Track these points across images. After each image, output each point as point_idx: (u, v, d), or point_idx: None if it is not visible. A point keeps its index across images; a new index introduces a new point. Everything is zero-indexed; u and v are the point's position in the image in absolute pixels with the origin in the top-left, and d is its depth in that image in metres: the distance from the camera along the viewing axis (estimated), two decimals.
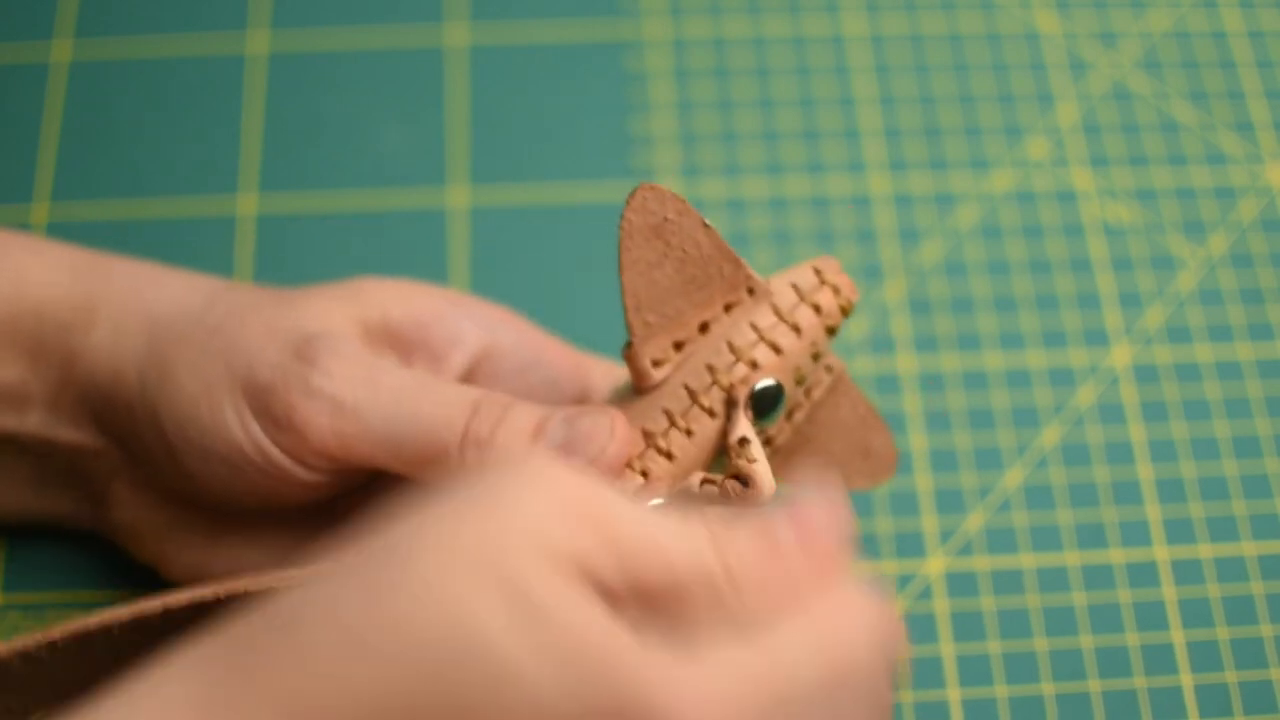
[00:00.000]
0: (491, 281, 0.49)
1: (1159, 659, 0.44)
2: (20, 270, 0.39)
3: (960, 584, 0.45)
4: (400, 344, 0.38)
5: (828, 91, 0.53)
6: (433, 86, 0.53)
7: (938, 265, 0.50)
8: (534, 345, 0.40)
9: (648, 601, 0.27)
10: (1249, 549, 0.46)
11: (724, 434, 0.36)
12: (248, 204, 0.50)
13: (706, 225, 0.37)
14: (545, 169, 0.52)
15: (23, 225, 0.49)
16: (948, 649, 0.44)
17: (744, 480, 0.35)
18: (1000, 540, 0.46)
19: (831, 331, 0.38)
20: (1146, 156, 0.53)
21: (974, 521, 0.46)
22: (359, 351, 0.37)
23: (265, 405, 0.36)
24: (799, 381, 0.38)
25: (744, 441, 0.36)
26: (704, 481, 0.36)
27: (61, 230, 0.49)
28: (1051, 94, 0.54)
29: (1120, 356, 0.49)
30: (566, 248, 0.50)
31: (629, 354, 0.37)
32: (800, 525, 0.29)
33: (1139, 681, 0.44)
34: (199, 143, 0.51)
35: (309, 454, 0.36)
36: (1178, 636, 0.44)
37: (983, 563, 0.46)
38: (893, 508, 0.46)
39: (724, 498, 0.35)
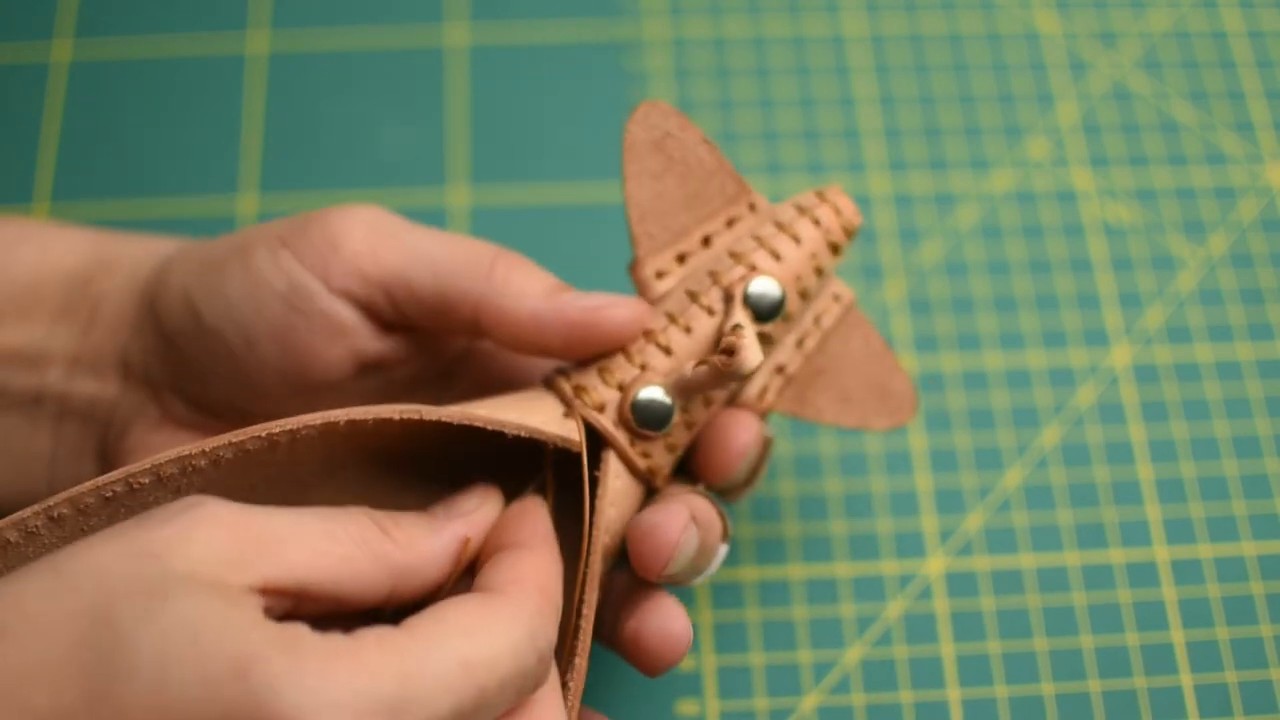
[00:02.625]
0: None
1: (1159, 659, 0.44)
2: (45, 243, 0.41)
3: (960, 584, 0.45)
4: None
5: (828, 91, 0.53)
6: (433, 86, 0.53)
7: (938, 265, 0.50)
8: None
9: (317, 602, 0.31)
10: (1249, 549, 0.46)
11: (721, 330, 0.37)
12: (248, 204, 0.50)
13: (707, 141, 0.38)
14: (545, 169, 0.52)
15: None
16: (948, 649, 0.44)
17: (729, 351, 0.35)
18: (1000, 540, 0.46)
19: (835, 249, 0.39)
20: (1146, 156, 0.53)
21: (974, 521, 0.46)
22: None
23: (301, 229, 0.37)
24: (803, 294, 0.38)
25: (737, 327, 0.36)
26: (697, 364, 0.36)
27: None
28: (1051, 94, 0.54)
29: (1120, 356, 0.49)
30: (566, 248, 0.50)
31: (634, 266, 0.38)
32: (456, 511, 0.35)
33: (1139, 681, 0.44)
34: (199, 143, 0.51)
35: (338, 269, 0.37)
36: (1178, 636, 0.44)
37: (983, 563, 0.46)
38: (893, 508, 0.46)
39: (712, 373, 0.36)
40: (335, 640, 0.29)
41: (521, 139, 0.52)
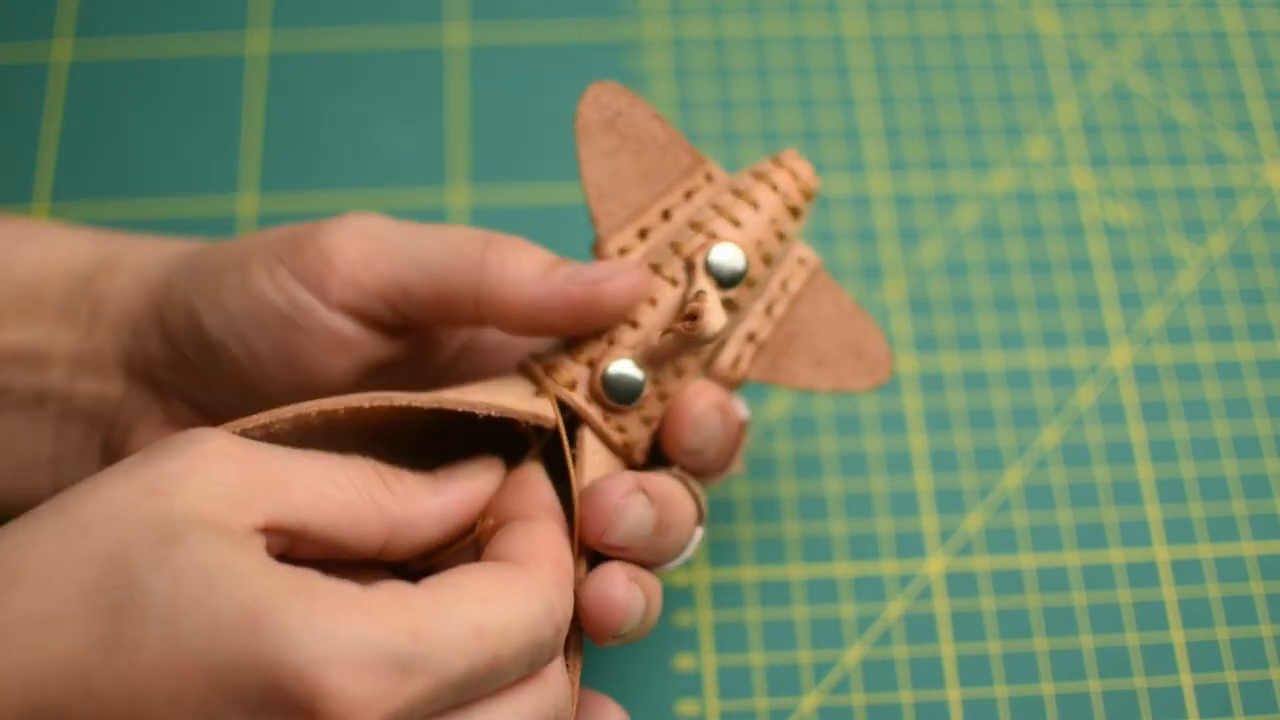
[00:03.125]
0: None
1: (1159, 659, 0.44)
2: (46, 242, 0.41)
3: (960, 584, 0.45)
4: None
5: (828, 91, 0.53)
6: (433, 86, 0.53)
7: (938, 265, 0.50)
8: None
9: (314, 545, 0.31)
10: (1249, 549, 0.46)
11: (686, 298, 0.37)
12: (248, 204, 0.50)
13: (658, 116, 0.39)
14: (545, 169, 0.52)
15: None
16: (948, 649, 0.44)
17: (692, 316, 0.36)
18: (1000, 540, 0.46)
19: (795, 213, 0.39)
20: (1146, 156, 0.53)
21: (974, 521, 0.46)
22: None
23: (294, 246, 0.37)
24: (765, 260, 0.39)
25: (700, 294, 0.36)
26: (663, 333, 0.37)
27: None
28: (1051, 94, 0.54)
29: (1120, 356, 0.49)
30: (566, 248, 0.50)
31: (596, 246, 0.39)
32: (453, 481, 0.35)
33: (1139, 681, 0.44)
34: (199, 143, 0.51)
35: (334, 283, 0.36)
36: (1178, 636, 0.44)
37: (983, 563, 0.46)
38: (893, 508, 0.46)
39: (677, 339, 0.36)
40: (348, 589, 0.29)
41: (521, 139, 0.52)
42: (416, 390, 0.36)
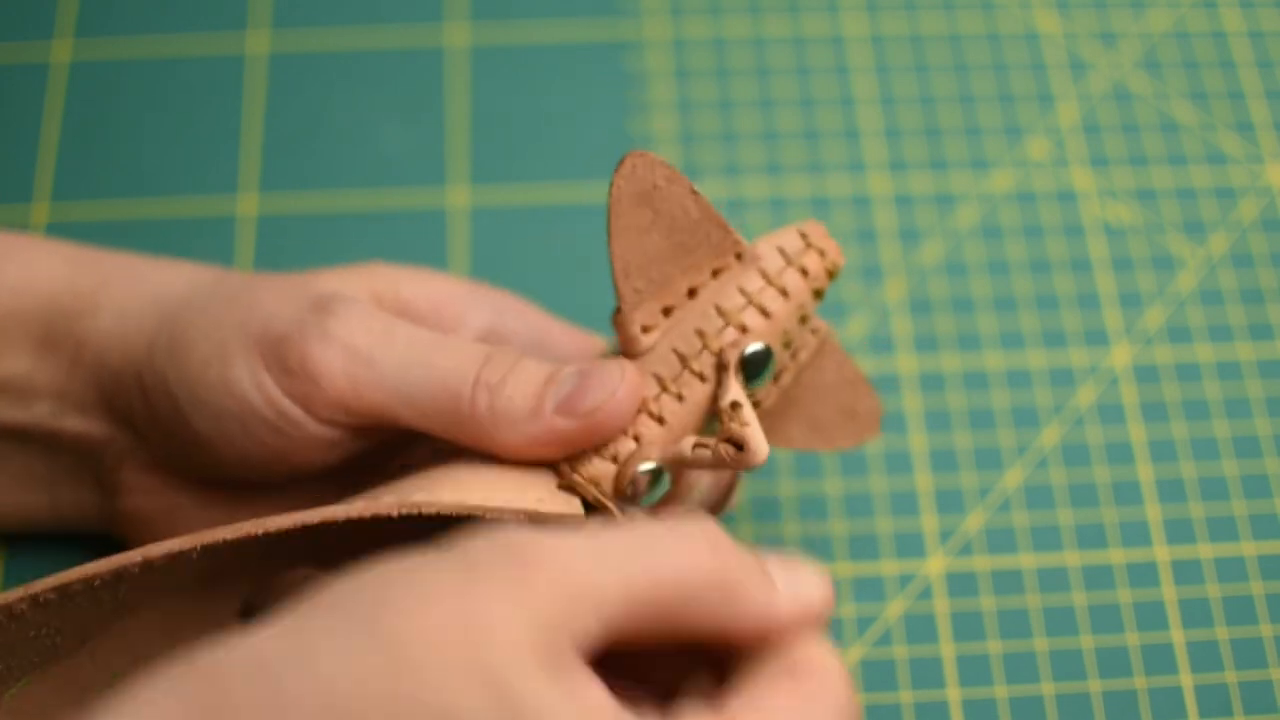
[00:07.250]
0: (491, 281, 0.49)
1: (1159, 659, 0.44)
2: (23, 264, 0.40)
3: (960, 584, 0.45)
4: (411, 319, 0.39)
5: (828, 91, 0.53)
6: (433, 86, 0.53)
7: (938, 265, 0.50)
8: (540, 328, 0.41)
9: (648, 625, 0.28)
10: (1249, 549, 0.46)
11: (714, 398, 0.36)
12: (248, 204, 0.50)
13: (695, 192, 0.37)
14: (545, 169, 0.52)
15: (22, 225, 0.49)
16: (948, 649, 0.44)
17: (737, 444, 0.35)
18: (1000, 540, 0.46)
19: (818, 295, 0.38)
20: (1146, 156, 0.53)
21: (974, 521, 0.46)
22: (374, 309, 0.37)
23: (279, 354, 0.36)
24: (786, 345, 0.38)
25: (735, 405, 0.35)
26: (697, 445, 0.36)
27: (61, 230, 0.49)
28: (1051, 94, 0.54)
29: (1120, 356, 0.49)
30: (566, 248, 0.50)
31: (618, 320, 0.37)
32: (788, 567, 0.31)
33: (1139, 681, 0.44)
34: (199, 143, 0.51)
35: (322, 403, 0.36)
36: (1178, 636, 0.44)
37: (983, 563, 0.46)
38: (893, 508, 0.46)
39: (717, 461, 0.35)
40: None
41: (521, 139, 0.52)
42: (420, 472, 0.36)
